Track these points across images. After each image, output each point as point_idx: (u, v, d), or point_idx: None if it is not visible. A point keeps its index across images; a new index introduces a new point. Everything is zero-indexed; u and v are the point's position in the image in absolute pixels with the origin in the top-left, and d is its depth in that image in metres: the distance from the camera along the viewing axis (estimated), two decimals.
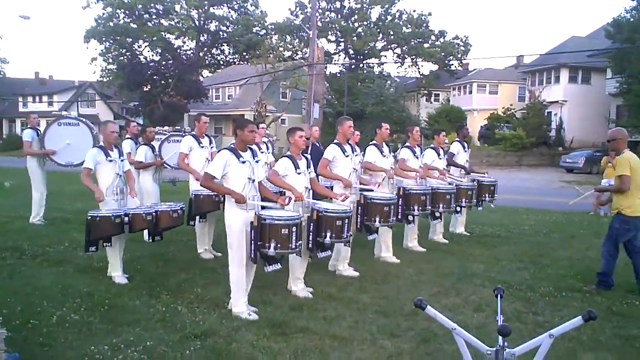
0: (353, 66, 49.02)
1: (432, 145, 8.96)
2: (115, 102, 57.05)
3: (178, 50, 52.64)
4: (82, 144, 9.17)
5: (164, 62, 46.35)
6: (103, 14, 51.25)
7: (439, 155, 8.85)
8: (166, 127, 11.07)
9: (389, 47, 51.71)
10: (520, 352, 2.25)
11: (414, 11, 50.55)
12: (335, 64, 51.01)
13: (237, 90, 46.85)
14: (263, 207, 5.38)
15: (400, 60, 51.37)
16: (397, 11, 50.40)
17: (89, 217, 6.04)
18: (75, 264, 7.13)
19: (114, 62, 52.24)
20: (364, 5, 49.86)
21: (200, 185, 5.56)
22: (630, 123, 28.22)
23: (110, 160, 6.42)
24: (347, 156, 6.84)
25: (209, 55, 58.64)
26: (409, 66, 52.07)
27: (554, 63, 36.94)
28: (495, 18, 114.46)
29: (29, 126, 9.90)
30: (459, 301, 5.91)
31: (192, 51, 54.48)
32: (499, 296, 2.64)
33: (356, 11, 50.20)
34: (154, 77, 44.17)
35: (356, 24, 50.51)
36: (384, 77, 46.98)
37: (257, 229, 5.09)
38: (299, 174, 5.82)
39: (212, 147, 7.91)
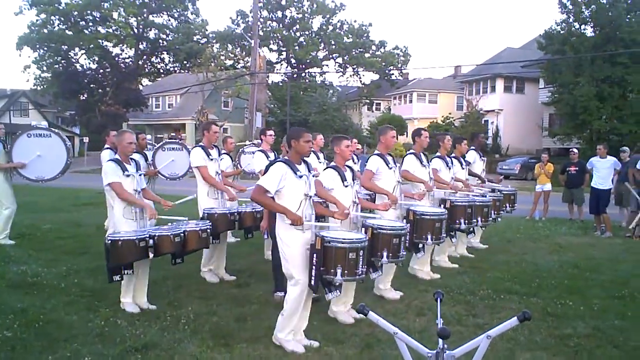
0: (295, 75, 49.23)
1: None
2: (50, 111, 55.16)
3: (116, 58, 51.49)
4: (55, 157, 8.34)
5: (101, 70, 45.29)
6: (37, 20, 49.41)
7: (462, 165, 8.14)
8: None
9: (331, 56, 52.24)
10: (460, 354, 2.30)
11: (355, 21, 51.32)
12: (277, 73, 51.19)
13: (177, 99, 46.21)
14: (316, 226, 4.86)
15: (341, 70, 51.95)
16: (338, 21, 51.05)
17: (109, 241, 5.21)
18: (8, 279, 6.81)
19: (49, 70, 50.47)
20: (306, 15, 50.24)
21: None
22: (562, 131, 29.47)
23: (128, 175, 5.64)
24: (390, 168, 6.21)
25: (149, 64, 57.60)
26: (350, 75, 52.85)
27: (490, 73, 38.24)
28: (433, 29, 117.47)
29: None
30: (402, 306, 5.99)
31: (130, 59, 53.37)
32: (438, 300, 2.70)
33: (298, 21, 50.51)
34: (91, 85, 43.11)
35: (298, 34, 50.80)
36: (326, 86, 47.48)
37: (320, 253, 4.51)
38: (346, 186, 5.28)
39: (221, 159, 7.37)
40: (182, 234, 5.63)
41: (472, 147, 9.12)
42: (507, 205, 8.98)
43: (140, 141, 8.68)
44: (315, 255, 4.52)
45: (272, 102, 44.37)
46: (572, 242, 10.16)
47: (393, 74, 51.40)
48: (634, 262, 8.41)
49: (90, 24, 50.59)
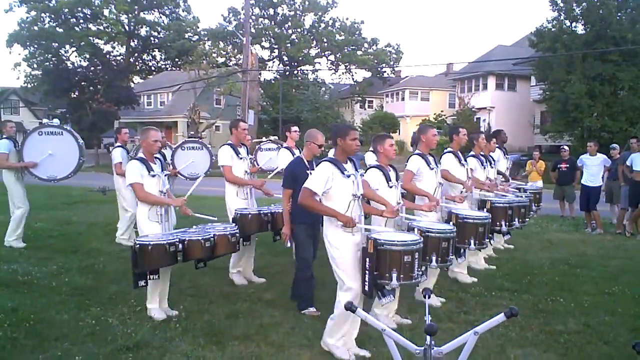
0: (287, 73, 49.16)
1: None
2: (40, 109, 54.84)
3: (107, 56, 51.11)
4: (67, 156, 8.12)
5: (92, 68, 44.87)
6: (27, 17, 48.97)
7: (482, 163, 7.43)
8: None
9: (323, 54, 52.19)
10: (448, 350, 2.31)
11: (347, 19, 51.43)
12: (269, 70, 51.08)
13: (169, 96, 46.08)
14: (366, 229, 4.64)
15: (334, 67, 51.96)
16: (330, 19, 50.99)
17: (137, 245, 4.96)
18: None
19: (39, 67, 50.02)
20: (298, 12, 50.15)
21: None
22: (553, 128, 29.59)
23: (153, 176, 5.39)
24: (431, 169, 5.90)
25: (140, 61, 57.29)
26: (342, 73, 52.88)
27: (482, 71, 38.30)
28: (425, 27, 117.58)
29: (4, 136, 8.64)
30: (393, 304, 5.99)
31: (122, 57, 53.06)
32: (426, 297, 2.72)
33: (290, 18, 50.42)
34: (82, 83, 42.75)
35: (290, 31, 50.72)
36: (319, 83, 47.41)
37: (373, 257, 4.26)
38: (390, 187, 5.02)
39: (250, 158, 7.00)
40: (212, 239, 5.36)
41: (497, 145, 8.65)
42: (534, 204, 8.54)
43: (123, 135, 8.65)
44: (368, 259, 4.26)
45: (265, 100, 44.33)
46: (563, 238, 10.21)
47: (385, 71, 51.42)
48: (624, 259, 8.46)
49: (81, 21, 50.22)
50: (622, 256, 8.68)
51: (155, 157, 5.59)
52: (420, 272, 4.43)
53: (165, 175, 5.58)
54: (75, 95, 43.76)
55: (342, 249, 4.44)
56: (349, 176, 4.47)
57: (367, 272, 4.29)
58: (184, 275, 6.81)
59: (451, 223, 5.54)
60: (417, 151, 6.01)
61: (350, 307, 2.37)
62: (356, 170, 4.65)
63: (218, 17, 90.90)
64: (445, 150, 6.75)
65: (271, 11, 50.36)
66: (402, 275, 4.20)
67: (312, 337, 4.90)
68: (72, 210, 12.99)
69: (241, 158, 6.69)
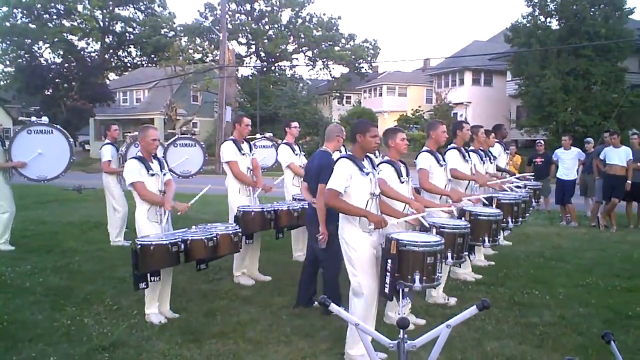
0: (265, 69, 48.95)
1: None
2: (14, 107, 53.90)
3: (82, 52, 50.46)
4: (57, 155, 7.91)
5: (66, 65, 44.38)
6: None
7: (481, 158, 7.14)
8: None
9: (300, 50, 52.06)
10: (421, 343, 2.32)
11: (324, 15, 51.10)
12: (246, 66, 50.82)
13: (145, 93, 45.59)
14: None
15: (311, 63, 51.82)
16: (307, 14, 50.83)
17: (139, 246, 4.78)
18: None
19: (12, 64, 49.30)
20: (275, 8, 49.91)
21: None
22: (529, 123, 29.96)
23: (152, 175, 5.26)
24: (441, 165, 5.76)
25: (115, 58, 56.69)
26: (320, 69, 52.71)
27: (459, 66, 38.65)
28: (402, 22, 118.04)
29: None
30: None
31: (96, 53, 52.42)
32: (401, 291, 2.73)
33: (266, 14, 50.17)
34: (56, 80, 42.27)
35: (267, 27, 50.48)
36: (296, 79, 47.40)
37: (395, 259, 4.05)
38: (402, 182, 4.82)
39: (252, 154, 6.76)
40: (215, 238, 5.23)
41: (497, 140, 8.49)
42: (534, 200, 8.26)
43: (112, 132, 8.56)
44: (390, 260, 4.05)
45: (242, 96, 44.13)
46: (538, 232, 10.33)
47: (363, 67, 51.46)
48: (598, 251, 8.59)
49: (55, 17, 49.51)
50: (596, 248, 8.82)
51: (154, 156, 5.46)
52: (441, 274, 4.26)
53: (164, 175, 5.44)
54: (49, 93, 43.23)
55: (359, 249, 4.27)
56: (367, 174, 4.30)
57: (387, 273, 4.07)
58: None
59: (463, 219, 5.41)
60: (425, 148, 5.87)
61: (324, 302, 2.36)
62: (374, 167, 4.50)
63: (194, 13, 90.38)
64: (449, 147, 6.51)
65: (248, 7, 50.06)
66: (424, 278, 4.02)
67: (290, 334, 4.90)
68: (45, 210, 12.80)
69: (244, 154, 6.54)
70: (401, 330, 2.24)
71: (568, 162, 11.29)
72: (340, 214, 4.36)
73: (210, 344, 4.68)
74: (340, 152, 5.95)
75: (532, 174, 9.70)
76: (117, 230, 8.82)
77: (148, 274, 4.85)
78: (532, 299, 6.02)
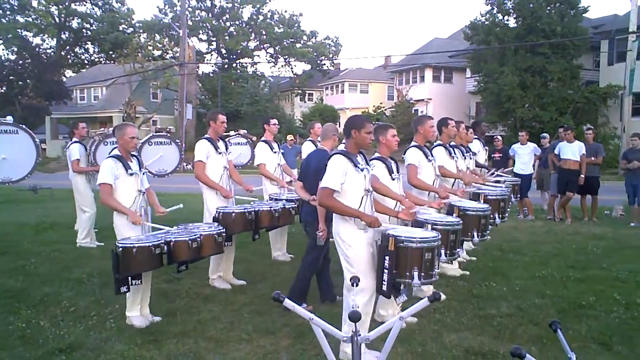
0: (226, 66, 48.64)
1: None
2: None
3: (37, 49, 49.10)
4: (23, 156, 7.59)
5: (20, 62, 43.12)
6: None
7: (463, 154, 7.00)
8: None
9: (262, 46, 51.89)
10: (374, 336, 2.35)
11: (286, 11, 51.35)
12: (207, 63, 50.44)
13: (103, 90, 44.70)
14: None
15: (273, 60, 51.71)
16: (268, 11, 50.70)
17: (120, 248, 4.58)
18: None
19: None
20: (235, 4, 49.59)
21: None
22: (488, 119, 30.48)
23: (132, 174, 5.03)
24: (429, 161, 5.74)
25: (72, 54, 55.39)
26: (282, 66, 52.67)
27: (419, 63, 39.04)
28: (363, 19, 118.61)
29: None
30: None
31: (52, 50, 51.16)
32: (355, 284, 2.76)
33: (227, 10, 49.81)
34: (10, 77, 41.04)
35: (228, 23, 50.15)
36: (258, 76, 47.23)
37: (393, 255, 3.99)
38: (393, 179, 4.74)
39: (229, 153, 6.53)
40: (199, 239, 5.07)
41: (475, 137, 8.42)
42: (513, 196, 8.01)
43: (80, 130, 8.38)
44: (387, 257, 3.98)
45: (203, 94, 43.79)
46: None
47: (325, 64, 51.62)
48: (553, 243, 8.81)
49: (8, 12, 48.04)
50: (551, 240, 9.04)
51: (133, 155, 5.23)
52: (438, 270, 4.20)
53: (143, 174, 5.23)
54: (2, 90, 42.00)
55: (355, 246, 4.21)
56: (362, 170, 4.22)
57: (385, 270, 3.99)
58: None
59: (454, 215, 5.33)
60: (414, 143, 5.81)
61: (277, 298, 2.36)
62: (367, 163, 4.42)
63: (153, 9, 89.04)
64: (435, 144, 6.45)
65: (208, 3, 49.63)
66: (422, 274, 3.96)
67: (251, 332, 4.88)
68: None
69: (220, 153, 6.29)
70: (354, 324, 2.26)
71: (524, 157, 11.53)
72: (335, 215, 4.30)
73: (170, 343, 4.62)
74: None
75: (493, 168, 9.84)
76: (85, 231, 8.60)
77: (129, 278, 4.70)
78: (490, 291, 6.14)
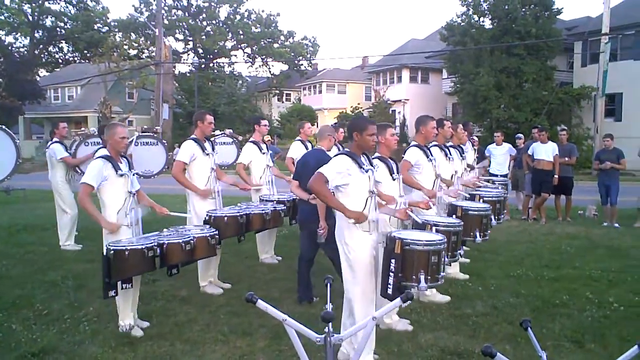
0: (203, 65, 48.34)
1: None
2: None
3: (9, 48, 48.20)
4: (2, 158, 7.34)
5: None
6: None
7: (460, 154, 7.10)
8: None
9: (239, 46, 51.62)
10: (347, 337, 2.37)
11: (263, 11, 51.16)
12: (184, 63, 50.10)
13: (78, 90, 44.10)
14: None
15: (250, 60, 51.49)
16: (245, 11, 50.48)
17: (112, 251, 4.46)
18: None
19: None
20: (212, 3, 49.27)
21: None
22: (464, 120, 30.70)
23: (122, 175, 4.87)
24: (430, 161, 5.75)
25: (46, 53, 54.53)
26: (259, 66, 52.40)
27: (396, 64, 39.21)
28: (341, 20, 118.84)
29: None
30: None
31: (25, 49, 50.23)
32: (328, 285, 2.76)
33: (204, 10, 49.47)
34: None
35: (204, 23, 49.79)
36: (235, 76, 47.01)
37: (399, 258, 3.95)
38: (394, 179, 4.70)
39: (215, 154, 6.38)
40: (192, 241, 4.97)
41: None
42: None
43: (61, 130, 8.29)
44: (394, 260, 3.93)
45: (180, 93, 43.45)
46: None
47: (302, 64, 51.55)
48: (528, 243, 8.93)
49: None
50: (526, 240, 9.15)
51: (122, 156, 5.08)
52: (444, 273, 4.16)
53: (133, 175, 5.08)
54: None
55: (358, 249, 4.18)
56: (366, 171, 4.20)
57: (391, 274, 3.95)
58: (93, 277, 6.53)
59: (454, 216, 5.37)
60: (414, 142, 5.84)
61: (250, 299, 2.36)
62: (371, 165, 4.40)
63: (129, 8, 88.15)
64: (431, 144, 6.29)
65: (185, 2, 49.22)
66: (429, 277, 3.92)
67: (227, 333, 4.86)
68: None
69: (207, 154, 6.16)
70: (328, 324, 2.26)
71: (500, 158, 11.66)
72: (338, 216, 4.28)
73: (146, 346, 4.59)
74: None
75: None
76: (66, 233, 8.46)
77: (120, 282, 4.60)
78: (465, 290, 6.20)
